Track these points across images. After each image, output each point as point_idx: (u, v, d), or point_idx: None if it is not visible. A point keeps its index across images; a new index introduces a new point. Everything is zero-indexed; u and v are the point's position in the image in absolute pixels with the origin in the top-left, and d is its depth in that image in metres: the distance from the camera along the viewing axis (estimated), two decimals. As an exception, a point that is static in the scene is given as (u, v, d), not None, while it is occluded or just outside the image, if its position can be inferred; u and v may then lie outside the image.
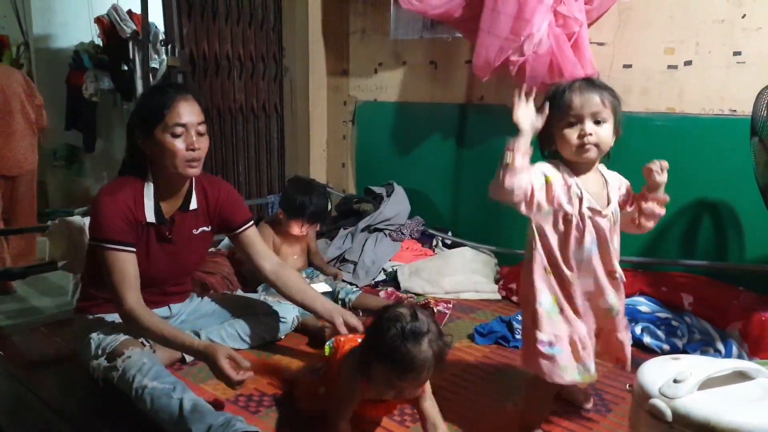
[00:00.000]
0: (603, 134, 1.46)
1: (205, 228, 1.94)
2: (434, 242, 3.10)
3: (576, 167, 1.51)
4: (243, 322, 2.07)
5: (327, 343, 1.67)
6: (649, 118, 2.50)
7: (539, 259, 1.50)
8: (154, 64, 4.39)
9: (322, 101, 3.65)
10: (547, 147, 1.54)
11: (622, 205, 1.56)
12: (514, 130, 1.46)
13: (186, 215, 1.87)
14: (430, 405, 1.46)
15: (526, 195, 1.44)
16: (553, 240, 1.49)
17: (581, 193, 1.48)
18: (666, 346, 2.13)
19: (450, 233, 3.14)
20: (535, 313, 1.49)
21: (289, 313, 2.11)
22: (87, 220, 2.46)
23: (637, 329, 2.20)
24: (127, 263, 1.71)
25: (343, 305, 2.48)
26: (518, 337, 2.16)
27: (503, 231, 2.99)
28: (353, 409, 1.46)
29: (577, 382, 1.54)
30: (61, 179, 5.71)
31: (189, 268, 2.04)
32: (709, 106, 2.39)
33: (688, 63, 2.42)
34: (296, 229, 2.58)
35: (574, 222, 1.47)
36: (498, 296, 2.73)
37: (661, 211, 1.53)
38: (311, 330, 2.20)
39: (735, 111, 2.33)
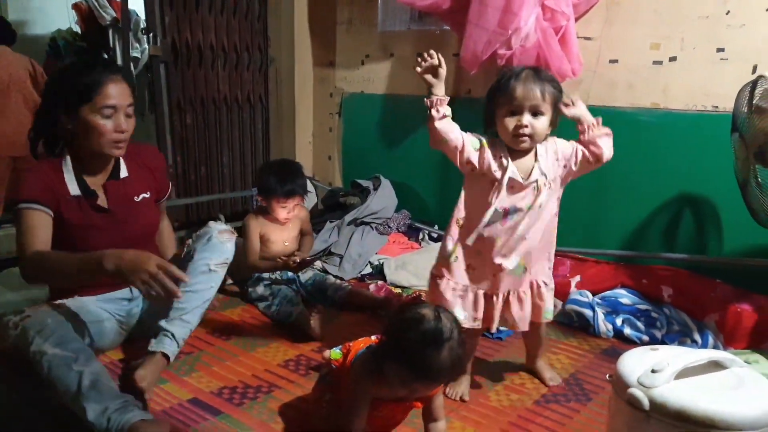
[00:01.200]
0: (538, 126, 1.59)
1: (145, 195, 1.92)
2: (421, 236, 3.11)
3: (511, 149, 1.64)
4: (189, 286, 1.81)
5: (334, 349, 1.57)
6: (634, 113, 2.53)
7: (456, 212, 1.71)
8: (135, 53, 4.32)
9: (308, 93, 3.64)
10: (489, 126, 1.67)
11: (570, 165, 1.68)
12: None
13: (119, 183, 1.86)
14: (439, 402, 1.44)
15: (456, 146, 1.61)
16: (475, 199, 1.66)
17: (507, 164, 1.62)
18: (645, 337, 2.17)
19: (436, 227, 3.16)
20: (440, 257, 1.76)
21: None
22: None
23: (618, 321, 2.24)
24: (39, 221, 1.68)
25: (332, 302, 2.49)
26: (501, 328, 2.18)
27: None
28: (366, 410, 1.39)
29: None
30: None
31: (140, 239, 1.89)
32: (692, 101, 2.42)
33: (673, 59, 2.45)
34: (280, 211, 2.50)
35: (495, 186, 1.63)
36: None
37: (600, 131, 1.65)
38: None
39: (717, 107, 2.36)
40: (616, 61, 2.57)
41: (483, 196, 1.65)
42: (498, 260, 1.66)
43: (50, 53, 5.10)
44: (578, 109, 1.66)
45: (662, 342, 2.13)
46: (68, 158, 1.79)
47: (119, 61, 4.26)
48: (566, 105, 1.64)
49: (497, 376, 1.90)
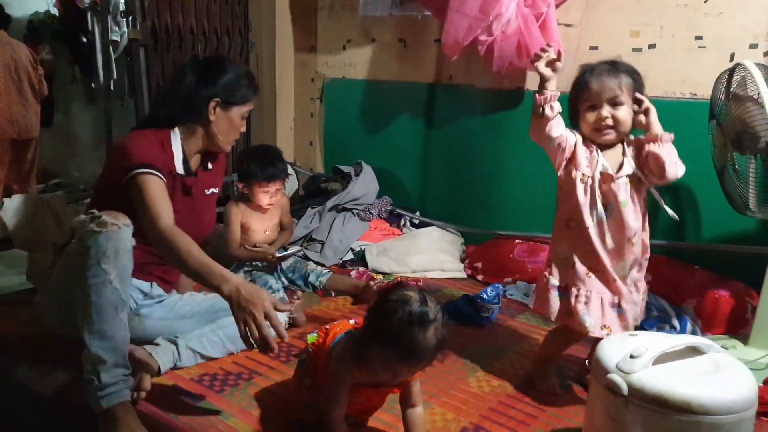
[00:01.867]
0: (621, 116, 1.58)
1: (214, 189, 1.95)
2: (402, 222, 3.11)
3: (598, 144, 1.63)
4: (227, 323, 1.77)
5: (311, 333, 1.56)
6: (613, 100, 2.54)
7: (560, 213, 1.68)
8: (114, 37, 4.23)
9: (289, 78, 3.60)
10: (574, 125, 1.67)
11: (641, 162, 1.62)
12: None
13: (205, 174, 1.89)
14: (416, 388, 1.44)
15: (561, 145, 1.60)
16: (574, 198, 1.62)
17: (599, 158, 1.61)
18: (625, 323, 2.20)
19: (418, 213, 3.16)
20: (550, 260, 1.70)
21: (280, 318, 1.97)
22: (51, 197, 2.40)
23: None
24: (160, 189, 1.63)
25: (314, 288, 2.48)
26: (483, 315, 2.20)
27: (470, 211, 3.01)
28: (347, 395, 1.38)
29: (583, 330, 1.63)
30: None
31: (204, 231, 1.94)
32: (671, 89, 2.44)
33: (652, 46, 2.46)
34: (262, 196, 2.46)
35: (589, 183, 1.61)
36: (464, 275, 2.76)
37: (658, 149, 1.56)
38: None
39: (696, 94, 2.38)
40: (596, 48, 2.57)
41: (580, 194, 1.61)
42: (612, 262, 1.62)
43: (28, 36, 4.98)
44: (647, 117, 1.58)
45: (641, 328, 2.16)
46: (178, 133, 1.79)
47: (98, 45, 4.19)
48: (638, 105, 1.58)
49: (479, 362, 1.91)
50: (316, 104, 3.58)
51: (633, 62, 2.48)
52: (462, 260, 2.88)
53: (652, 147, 1.56)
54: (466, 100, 2.93)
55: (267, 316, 1.37)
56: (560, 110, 1.59)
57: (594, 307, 1.62)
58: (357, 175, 3.19)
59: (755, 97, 1.78)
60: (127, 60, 3.59)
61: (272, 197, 2.49)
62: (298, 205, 3.15)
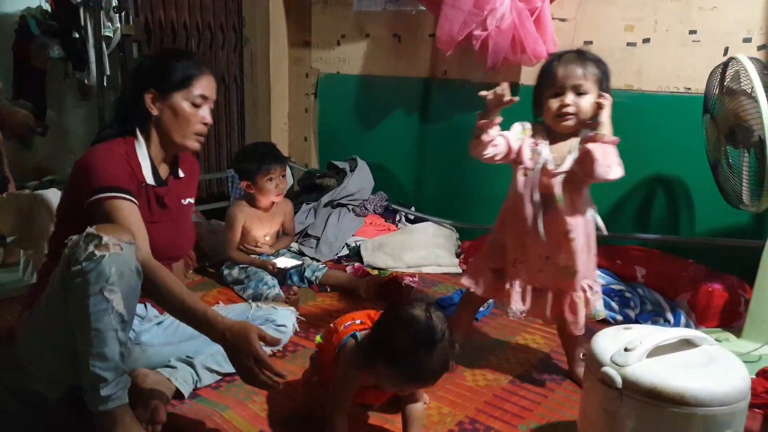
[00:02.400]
0: (583, 104, 1.59)
1: (190, 200, 1.79)
2: (397, 217, 3.11)
3: (555, 133, 1.65)
4: None
5: (318, 335, 1.57)
6: (607, 95, 2.54)
7: (505, 203, 1.74)
8: (107, 32, 4.21)
9: (283, 73, 3.59)
10: (537, 112, 1.69)
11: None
12: (478, 107, 1.59)
13: (176, 183, 1.72)
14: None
15: (494, 159, 1.65)
16: (515, 190, 1.68)
17: (542, 151, 1.64)
18: (619, 317, 2.21)
19: (413, 208, 3.16)
20: (487, 244, 1.79)
21: (288, 320, 1.87)
22: (45, 193, 2.38)
23: (593, 301, 2.27)
24: (133, 214, 1.48)
25: (310, 283, 2.48)
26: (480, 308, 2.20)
27: (465, 206, 3.01)
28: (351, 398, 1.39)
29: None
30: (9, 151, 5.48)
31: (185, 244, 1.79)
32: (665, 83, 2.44)
33: (646, 40, 2.46)
34: (268, 185, 2.44)
35: (530, 176, 1.65)
36: (459, 270, 2.77)
37: (594, 146, 1.52)
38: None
39: (690, 89, 2.39)
40: (590, 42, 2.58)
41: (521, 186, 1.66)
42: (545, 254, 1.66)
43: (20, 32, 4.95)
44: (600, 111, 1.54)
45: (636, 321, 2.17)
46: (142, 140, 1.62)
47: (90, 41, 4.17)
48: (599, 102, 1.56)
49: (474, 356, 1.91)
50: (310, 100, 3.57)
51: (627, 57, 2.52)
52: (457, 255, 2.88)
53: (589, 144, 1.53)
54: (461, 95, 2.92)
55: (257, 361, 1.32)
56: (494, 136, 1.61)
57: (517, 294, 1.70)
58: (352, 170, 3.18)
59: (749, 91, 1.78)
60: (120, 56, 3.57)
61: (278, 187, 2.48)
62: (293, 201, 3.14)
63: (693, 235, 2.45)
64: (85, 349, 1.32)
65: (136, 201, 1.50)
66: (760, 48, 2.23)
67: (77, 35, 4.57)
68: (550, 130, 1.66)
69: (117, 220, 1.44)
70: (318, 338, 1.56)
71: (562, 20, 2.61)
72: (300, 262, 2.52)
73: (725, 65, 1.91)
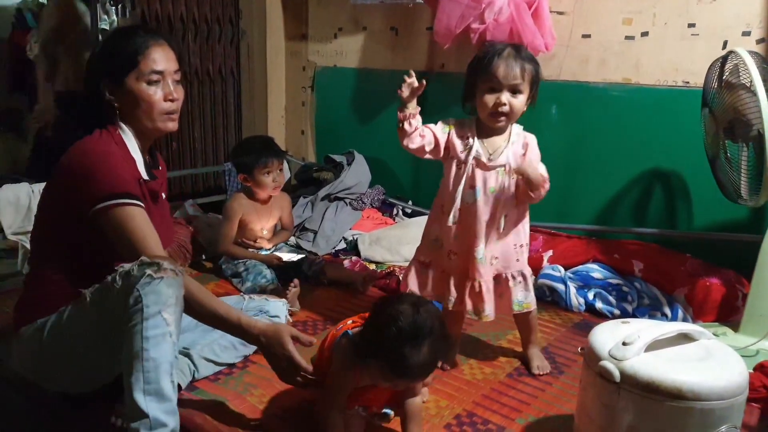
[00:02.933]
0: (516, 105, 1.62)
1: (164, 194, 1.67)
2: (395, 211, 3.11)
3: (485, 126, 1.68)
4: None
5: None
6: (605, 89, 2.54)
7: (437, 197, 1.76)
8: (103, 25, 4.20)
9: (280, 66, 3.57)
10: (468, 102, 1.70)
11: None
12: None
13: (159, 173, 1.62)
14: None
15: (429, 151, 1.68)
16: (449, 182, 1.71)
17: (473, 144, 1.67)
18: (617, 311, 2.21)
19: (410, 202, 3.15)
20: (422, 240, 1.81)
21: (280, 311, 1.89)
22: (37, 187, 2.37)
23: (590, 295, 2.27)
24: (145, 221, 1.39)
25: (306, 278, 2.47)
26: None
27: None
28: (346, 398, 1.39)
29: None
30: (5, 144, 5.46)
31: (171, 239, 1.76)
32: (663, 77, 2.44)
33: (644, 34, 2.45)
34: (265, 179, 2.42)
35: (464, 168, 1.67)
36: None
37: (530, 190, 1.63)
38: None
39: (688, 82, 2.38)
40: (588, 35, 2.57)
41: (454, 178, 1.69)
42: (473, 245, 1.69)
43: (16, 25, 4.93)
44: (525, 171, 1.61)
45: (633, 315, 2.17)
46: (128, 131, 1.50)
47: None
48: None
49: (471, 350, 1.91)
50: (307, 93, 3.56)
51: (625, 50, 2.51)
52: (455, 249, 2.88)
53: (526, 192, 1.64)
54: (459, 88, 2.89)
55: (290, 363, 1.39)
56: (419, 125, 1.65)
57: (451, 285, 1.73)
58: (349, 164, 3.18)
59: (748, 84, 1.78)
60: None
61: (275, 181, 2.47)
62: (290, 195, 3.13)
63: (691, 229, 2.45)
64: (137, 387, 1.23)
65: (143, 205, 1.42)
66: (759, 41, 2.23)
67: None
68: (479, 123, 1.69)
69: (131, 228, 1.36)
70: (311, 358, 1.50)
71: (560, 13, 2.60)
72: (302, 256, 2.52)
73: (724, 59, 1.90)
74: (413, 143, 1.66)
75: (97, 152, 1.42)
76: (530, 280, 1.77)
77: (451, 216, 1.69)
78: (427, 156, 1.71)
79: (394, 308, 1.26)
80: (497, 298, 1.74)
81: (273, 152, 2.47)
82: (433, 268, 1.78)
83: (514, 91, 1.61)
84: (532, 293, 1.77)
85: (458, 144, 1.69)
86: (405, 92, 1.62)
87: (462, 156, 1.68)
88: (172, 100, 1.50)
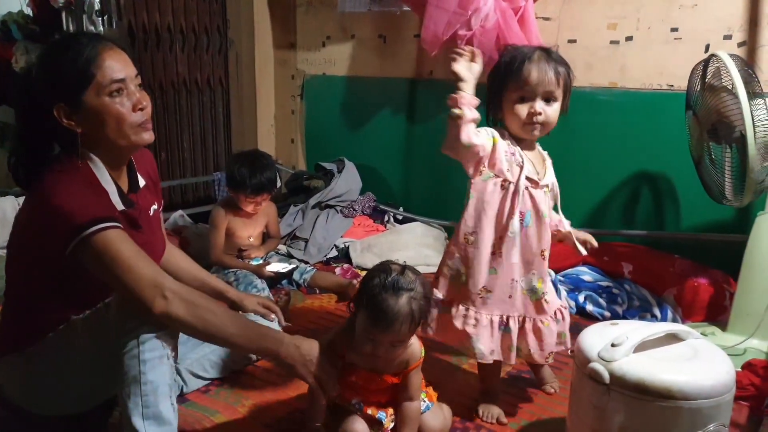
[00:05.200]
0: (551, 114, 1.46)
1: (155, 206, 1.54)
2: (386, 218, 3.12)
3: (519, 139, 1.51)
4: None
5: None
6: (592, 93, 2.56)
7: (462, 224, 1.53)
8: (90, 36, 4.20)
9: (269, 75, 3.58)
10: (495, 114, 1.52)
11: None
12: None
13: (139, 195, 1.45)
14: (414, 381, 1.43)
15: (479, 153, 1.45)
16: (489, 207, 1.48)
17: (522, 161, 1.48)
18: (607, 313, 2.22)
19: (401, 209, 3.16)
20: (439, 272, 1.58)
21: (274, 324, 1.79)
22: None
23: (580, 297, 2.29)
24: (125, 241, 1.25)
25: (298, 285, 2.47)
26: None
27: (453, 206, 3.01)
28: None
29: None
30: (-7, 157, 5.42)
31: (158, 260, 1.55)
32: (648, 81, 2.47)
33: (629, 38, 2.48)
34: (246, 203, 2.45)
35: (511, 190, 1.47)
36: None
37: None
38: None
39: (672, 86, 2.41)
40: (574, 41, 2.59)
41: (496, 202, 1.47)
42: (515, 277, 1.50)
43: (1, 37, 4.89)
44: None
45: (623, 317, 2.19)
46: (96, 160, 1.33)
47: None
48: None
49: (465, 354, 1.91)
50: (296, 101, 3.57)
51: (610, 55, 2.54)
52: (446, 255, 2.88)
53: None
54: (447, 95, 2.92)
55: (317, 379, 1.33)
56: (478, 117, 1.43)
57: (484, 330, 1.51)
58: (339, 171, 3.18)
59: (729, 87, 1.80)
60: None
61: (258, 206, 2.48)
62: (280, 203, 3.13)
63: (678, 230, 2.48)
64: (135, 412, 1.20)
65: (120, 225, 1.27)
66: (740, 45, 2.26)
67: (59, 39, 4.52)
68: (515, 136, 1.50)
69: (113, 253, 1.22)
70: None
71: (546, 19, 2.63)
72: (294, 266, 2.51)
73: (706, 62, 1.93)
74: (477, 138, 1.42)
75: (58, 187, 1.25)
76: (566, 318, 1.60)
77: (488, 249, 1.49)
78: (472, 166, 1.47)
79: (385, 264, 1.35)
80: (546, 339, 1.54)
81: (264, 185, 2.42)
82: (462, 308, 1.53)
83: (548, 98, 1.44)
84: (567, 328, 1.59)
85: (504, 160, 1.46)
86: (458, 67, 1.41)
87: (509, 176, 1.46)
88: (142, 109, 1.32)
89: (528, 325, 1.53)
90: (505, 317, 1.52)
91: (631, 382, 1.20)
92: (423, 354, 1.43)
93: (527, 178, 1.47)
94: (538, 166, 1.52)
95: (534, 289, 1.52)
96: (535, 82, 1.42)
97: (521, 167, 1.47)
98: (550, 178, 1.53)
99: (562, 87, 1.46)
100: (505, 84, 1.46)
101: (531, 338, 1.53)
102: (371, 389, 1.45)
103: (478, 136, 1.44)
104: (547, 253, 1.53)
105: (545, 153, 1.59)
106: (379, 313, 1.29)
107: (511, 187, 1.47)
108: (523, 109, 1.44)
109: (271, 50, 3.54)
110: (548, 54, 1.46)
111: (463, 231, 1.52)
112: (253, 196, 2.42)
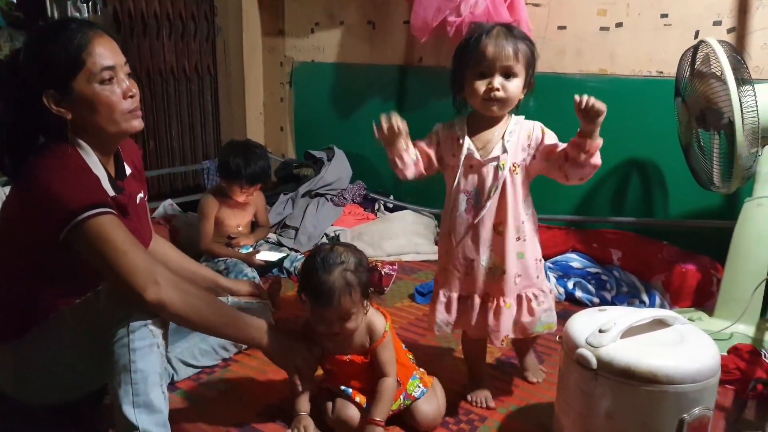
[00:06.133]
0: (511, 89, 1.43)
1: (141, 194, 1.54)
2: (376, 206, 3.11)
3: (479, 117, 1.50)
4: None
5: None
6: (582, 80, 2.56)
7: (444, 215, 1.59)
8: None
9: (257, 62, 3.55)
10: (457, 92, 1.52)
11: (537, 154, 1.50)
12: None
13: (126, 183, 1.45)
14: (385, 357, 1.44)
15: (422, 174, 1.53)
16: (449, 192, 1.54)
17: (463, 142, 1.49)
18: (596, 299, 2.24)
19: (392, 197, 3.16)
20: (438, 265, 1.63)
21: (263, 315, 1.80)
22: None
23: (570, 284, 2.30)
24: (119, 227, 1.25)
25: (289, 274, 2.47)
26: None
27: (443, 194, 3.01)
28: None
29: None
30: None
31: (146, 247, 1.55)
32: (638, 67, 2.46)
33: (619, 25, 2.48)
34: (239, 193, 2.47)
35: (458, 172, 1.49)
36: (438, 257, 2.78)
37: (589, 159, 1.41)
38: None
39: (662, 72, 2.41)
40: (564, 27, 2.58)
41: (450, 185, 1.53)
42: (469, 255, 1.51)
43: (-16, 23, 4.82)
44: (589, 119, 1.39)
45: (612, 303, 2.20)
46: (86, 146, 1.33)
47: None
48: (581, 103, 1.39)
49: (453, 340, 1.93)
50: (285, 89, 3.54)
51: (600, 41, 2.54)
52: (436, 243, 2.88)
53: (580, 155, 1.39)
54: (437, 82, 2.91)
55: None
56: (415, 156, 1.49)
57: (440, 305, 1.56)
58: (329, 159, 3.17)
59: (718, 74, 1.80)
60: (90, 47, 3.50)
61: (250, 196, 2.49)
62: (270, 192, 3.12)
63: (667, 217, 2.49)
64: (125, 400, 1.21)
65: (114, 211, 1.27)
66: (729, 31, 2.26)
67: (45, 27, 4.46)
68: (471, 121, 1.51)
69: (107, 239, 1.22)
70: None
71: (536, 5, 2.62)
72: (284, 255, 2.52)
73: (695, 48, 1.93)
74: (410, 175, 1.50)
75: (51, 172, 1.25)
76: (553, 297, 1.61)
77: (456, 228, 1.52)
78: (428, 175, 1.55)
79: (316, 248, 1.46)
80: (517, 319, 1.54)
81: (257, 176, 2.45)
82: (443, 292, 1.58)
83: (508, 74, 1.42)
84: (554, 311, 1.59)
85: (448, 148, 1.51)
86: (384, 137, 1.45)
87: (454, 160, 1.50)
88: (132, 96, 1.33)
89: (491, 304, 1.53)
90: (465, 293, 1.55)
91: (618, 368, 1.21)
92: (388, 329, 1.45)
93: (468, 157, 1.48)
94: (490, 144, 1.48)
95: (493, 267, 1.51)
96: (491, 57, 1.41)
97: (461, 148, 1.49)
98: (497, 150, 1.47)
99: (523, 63, 1.43)
100: (464, 61, 1.46)
101: (490, 317, 1.52)
102: (348, 374, 1.47)
103: (412, 170, 1.49)
104: (504, 229, 1.48)
105: (517, 127, 1.50)
106: (317, 292, 1.36)
107: (456, 170, 1.50)
108: (481, 85, 1.43)
109: (260, 37, 3.51)
110: (508, 30, 1.45)
111: (443, 222, 1.60)
112: (248, 186, 2.44)
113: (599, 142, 1.41)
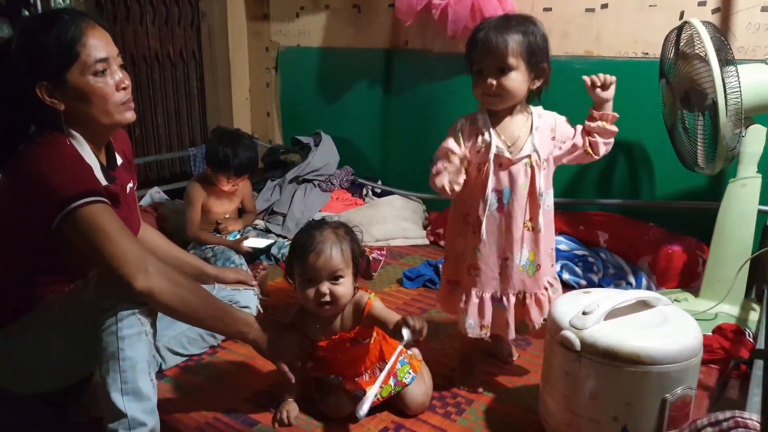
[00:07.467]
0: (508, 84, 1.41)
1: (131, 184, 1.55)
2: (364, 191, 3.10)
3: (494, 112, 1.49)
4: None
5: None
6: (568, 62, 2.55)
7: (456, 207, 1.58)
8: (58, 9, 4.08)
9: (242, 47, 3.51)
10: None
11: (563, 147, 1.52)
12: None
13: (117, 173, 1.46)
14: (379, 307, 1.44)
15: (462, 169, 1.47)
16: (469, 188, 1.50)
17: (491, 139, 1.46)
18: (583, 282, 2.25)
19: (379, 182, 3.15)
20: (447, 253, 1.64)
21: (251, 301, 1.83)
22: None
23: (557, 266, 2.31)
24: (112, 217, 1.25)
25: (276, 260, 2.47)
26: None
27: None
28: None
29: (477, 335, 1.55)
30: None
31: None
32: (623, 49, 2.46)
33: (604, 6, 2.47)
34: (225, 183, 2.46)
35: (484, 170, 1.47)
36: (426, 241, 2.79)
37: (611, 128, 1.51)
38: None
39: (647, 54, 2.41)
40: (549, 9, 2.57)
41: (475, 182, 1.49)
42: (505, 255, 1.51)
43: (-37, 11, 4.73)
44: (608, 94, 1.49)
45: (599, 285, 2.22)
46: (78, 136, 1.33)
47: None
48: (600, 84, 1.48)
49: (440, 325, 1.94)
50: (271, 74, 3.51)
51: (586, 23, 2.52)
52: (424, 227, 2.89)
53: (604, 127, 1.49)
54: (423, 66, 2.90)
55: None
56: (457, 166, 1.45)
57: (473, 307, 1.54)
58: (316, 145, 3.15)
59: (702, 55, 1.80)
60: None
61: (235, 185, 2.50)
62: (257, 178, 3.10)
63: (653, 198, 2.50)
64: (114, 387, 1.21)
65: (106, 200, 1.27)
66: (714, 11, 2.26)
67: (27, 12, 4.39)
68: (491, 112, 1.48)
69: (99, 227, 1.22)
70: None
71: (522, -13, 2.60)
72: (272, 241, 2.51)
73: (680, 29, 1.92)
74: (457, 178, 1.45)
75: (44, 159, 1.26)
76: (558, 288, 1.60)
77: (483, 227, 1.48)
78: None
79: (304, 226, 1.48)
80: (529, 311, 1.54)
81: (245, 167, 2.44)
82: (461, 287, 1.58)
83: (503, 69, 1.40)
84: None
85: (472, 145, 1.47)
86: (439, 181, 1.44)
87: (480, 158, 1.47)
88: (125, 88, 1.35)
89: (529, 300, 1.54)
90: (498, 294, 1.54)
91: (601, 349, 1.22)
92: (373, 297, 1.45)
93: (497, 155, 1.46)
94: (512, 139, 1.48)
95: (528, 263, 1.52)
96: (483, 55, 1.41)
97: (489, 145, 1.46)
98: (528, 149, 1.47)
99: (519, 55, 1.40)
100: (468, 59, 1.47)
101: (534, 311, 1.54)
102: (340, 360, 1.46)
103: (454, 177, 1.44)
104: (536, 225, 1.50)
105: (540, 119, 1.50)
106: (307, 246, 1.36)
107: (483, 168, 1.48)
108: (479, 83, 1.45)
109: (245, 22, 3.47)
110: (503, 22, 1.43)
111: (462, 213, 1.55)
112: (236, 177, 2.44)
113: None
